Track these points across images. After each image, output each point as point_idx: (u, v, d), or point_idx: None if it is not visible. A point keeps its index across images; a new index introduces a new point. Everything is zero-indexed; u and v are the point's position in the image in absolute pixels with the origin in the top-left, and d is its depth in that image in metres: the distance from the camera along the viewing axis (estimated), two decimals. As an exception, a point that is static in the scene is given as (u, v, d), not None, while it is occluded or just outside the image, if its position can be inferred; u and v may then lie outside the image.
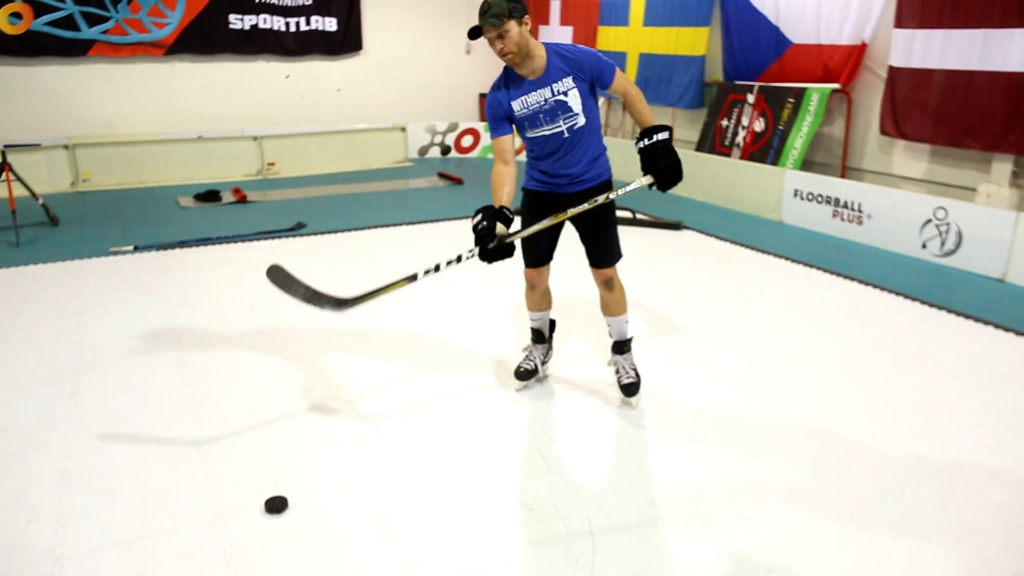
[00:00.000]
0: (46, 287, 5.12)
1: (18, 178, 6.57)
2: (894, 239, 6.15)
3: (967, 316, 4.65)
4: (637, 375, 3.50)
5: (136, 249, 6.05)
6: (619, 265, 3.41)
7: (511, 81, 3.14)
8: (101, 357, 4.02)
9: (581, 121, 3.14)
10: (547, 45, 3.13)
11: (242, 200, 7.96)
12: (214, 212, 7.53)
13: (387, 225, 6.87)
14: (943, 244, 5.79)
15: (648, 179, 3.09)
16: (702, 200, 8.01)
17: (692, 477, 2.95)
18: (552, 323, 3.72)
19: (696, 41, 8.45)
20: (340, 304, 3.08)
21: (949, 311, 4.74)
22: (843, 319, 4.65)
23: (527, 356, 3.70)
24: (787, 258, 5.91)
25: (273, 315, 4.64)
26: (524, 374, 3.66)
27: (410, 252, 6.04)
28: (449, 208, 7.56)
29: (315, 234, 6.58)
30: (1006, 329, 4.45)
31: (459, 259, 3.08)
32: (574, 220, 3.26)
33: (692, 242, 6.46)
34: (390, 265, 5.66)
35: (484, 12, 2.97)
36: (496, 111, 3.16)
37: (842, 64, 6.95)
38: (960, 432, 3.30)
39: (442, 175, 9.35)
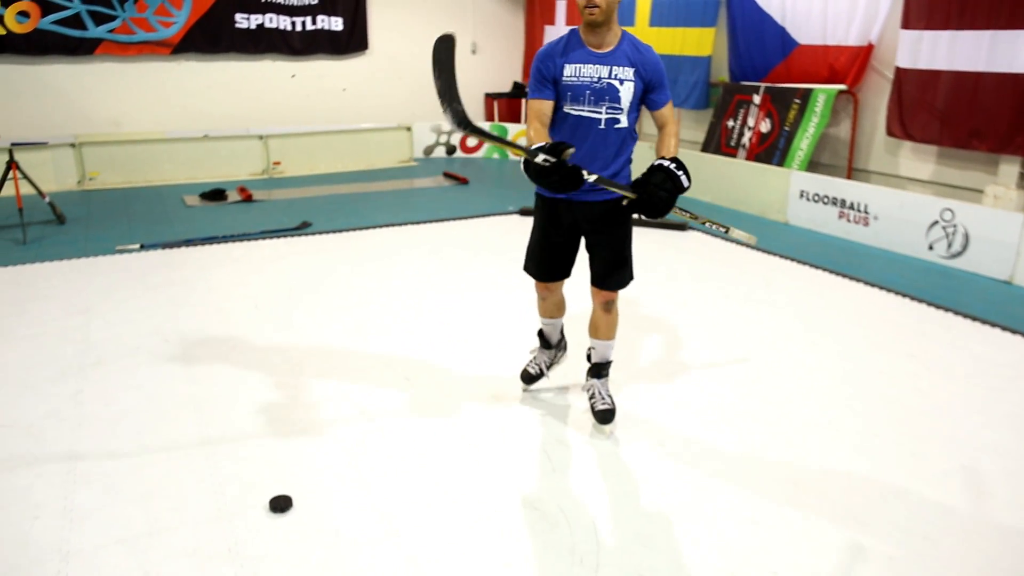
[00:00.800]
0: (52, 285, 5.14)
1: (25, 176, 6.59)
2: (900, 240, 6.13)
3: (974, 318, 4.64)
4: (612, 402, 3.32)
5: (142, 247, 6.06)
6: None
7: (573, 45, 2.92)
8: (106, 355, 4.03)
9: (622, 122, 2.93)
10: (624, 31, 2.96)
11: (247, 199, 7.97)
12: (219, 211, 7.54)
13: (392, 225, 6.88)
14: (950, 246, 5.77)
15: (631, 195, 2.82)
16: (708, 201, 8.00)
17: (697, 477, 2.95)
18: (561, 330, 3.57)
19: (702, 41, 8.43)
20: (461, 121, 2.58)
21: (956, 313, 4.73)
22: (848, 320, 4.64)
23: (532, 360, 3.60)
24: (793, 259, 5.90)
25: (277, 314, 4.65)
26: (529, 378, 3.59)
27: (415, 252, 6.05)
28: (454, 208, 7.56)
29: (320, 233, 6.59)
30: (1013, 331, 4.43)
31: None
32: (587, 233, 3.12)
33: (697, 242, 6.45)
34: (395, 265, 5.67)
35: None
36: (544, 70, 2.91)
37: (848, 65, 6.94)
38: (965, 434, 3.29)
39: (447, 175, 9.35)
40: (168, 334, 4.32)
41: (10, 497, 2.78)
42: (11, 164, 6.51)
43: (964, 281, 5.46)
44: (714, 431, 3.31)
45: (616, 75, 2.87)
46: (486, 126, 11.01)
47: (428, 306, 4.81)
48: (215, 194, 8.04)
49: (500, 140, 2.70)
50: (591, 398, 3.34)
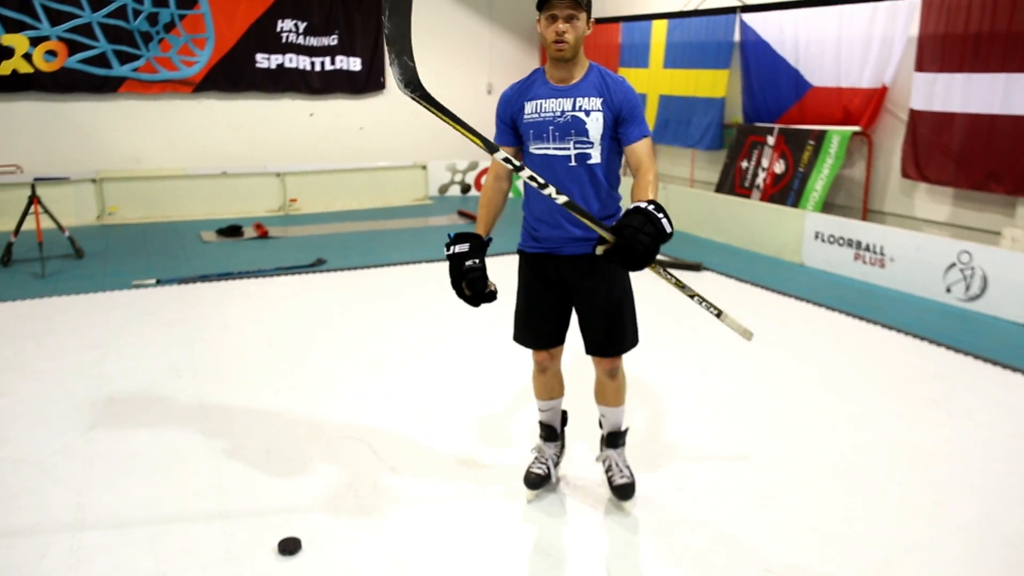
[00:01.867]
0: (69, 319, 5.17)
1: (46, 211, 6.69)
2: (917, 283, 6.08)
3: (994, 362, 4.56)
4: (632, 474, 2.99)
5: (158, 283, 6.11)
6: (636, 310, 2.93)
7: (535, 83, 2.74)
8: (120, 391, 4.03)
9: (594, 157, 2.68)
10: (592, 63, 2.77)
11: (264, 235, 8.04)
12: (236, 247, 7.61)
13: (406, 263, 6.90)
14: (968, 288, 5.71)
15: (609, 241, 2.39)
16: (722, 242, 7.98)
17: (712, 524, 2.88)
18: (564, 415, 3.18)
19: (716, 83, 8.50)
20: (409, 80, 2.16)
21: (976, 357, 4.65)
22: (866, 364, 4.58)
23: (536, 459, 3.10)
24: (808, 301, 5.85)
25: (292, 351, 4.65)
26: (535, 480, 3.04)
27: (429, 289, 6.05)
28: (468, 246, 7.57)
29: (335, 270, 6.62)
30: (1035, 377, 4.36)
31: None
32: (577, 292, 2.82)
33: (712, 284, 6.42)
34: (409, 302, 5.67)
35: None
36: (503, 111, 2.78)
37: (863, 107, 6.96)
38: (989, 483, 3.21)
39: (462, 213, 9.41)
40: (182, 370, 4.32)
41: (19, 534, 2.76)
42: (33, 198, 6.62)
43: (983, 324, 5.39)
44: (730, 476, 3.25)
45: (581, 107, 2.66)
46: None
47: (442, 344, 4.80)
48: (232, 230, 8.12)
49: (454, 118, 2.31)
50: (608, 471, 3.03)
